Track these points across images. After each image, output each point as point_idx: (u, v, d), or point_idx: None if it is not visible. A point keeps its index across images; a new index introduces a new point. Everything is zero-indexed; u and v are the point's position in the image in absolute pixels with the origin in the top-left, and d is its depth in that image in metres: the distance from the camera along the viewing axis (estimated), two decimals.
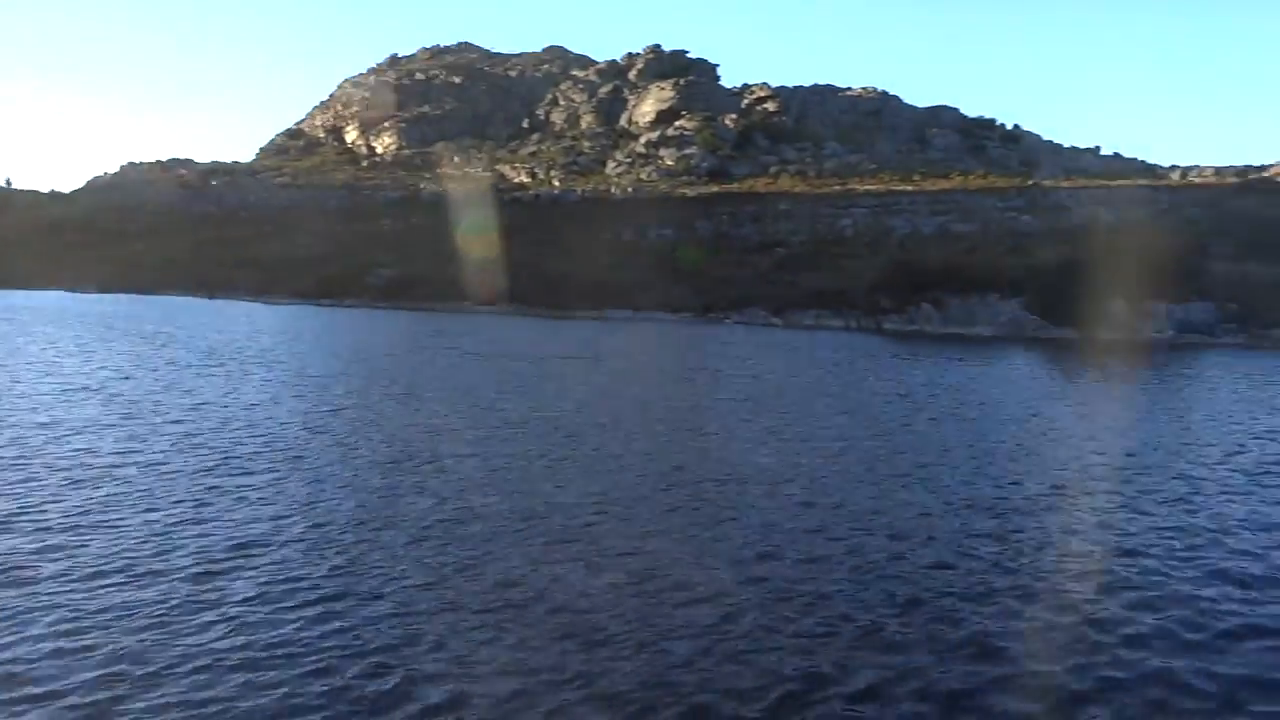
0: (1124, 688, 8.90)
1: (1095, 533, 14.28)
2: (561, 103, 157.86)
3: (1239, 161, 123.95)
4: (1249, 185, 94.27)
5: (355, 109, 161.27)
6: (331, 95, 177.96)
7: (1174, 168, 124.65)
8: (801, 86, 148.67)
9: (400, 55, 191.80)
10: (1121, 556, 13.06)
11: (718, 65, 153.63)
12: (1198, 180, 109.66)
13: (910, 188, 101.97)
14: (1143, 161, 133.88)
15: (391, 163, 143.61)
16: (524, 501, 15.10)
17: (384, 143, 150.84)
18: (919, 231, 75.94)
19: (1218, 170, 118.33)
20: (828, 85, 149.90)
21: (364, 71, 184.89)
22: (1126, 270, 47.51)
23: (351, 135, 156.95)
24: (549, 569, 11.76)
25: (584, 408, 25.98)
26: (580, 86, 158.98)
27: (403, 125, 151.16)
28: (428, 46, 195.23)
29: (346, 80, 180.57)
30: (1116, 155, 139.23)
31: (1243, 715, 8.46)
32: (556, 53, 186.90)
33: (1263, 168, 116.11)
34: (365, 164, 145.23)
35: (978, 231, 73.00)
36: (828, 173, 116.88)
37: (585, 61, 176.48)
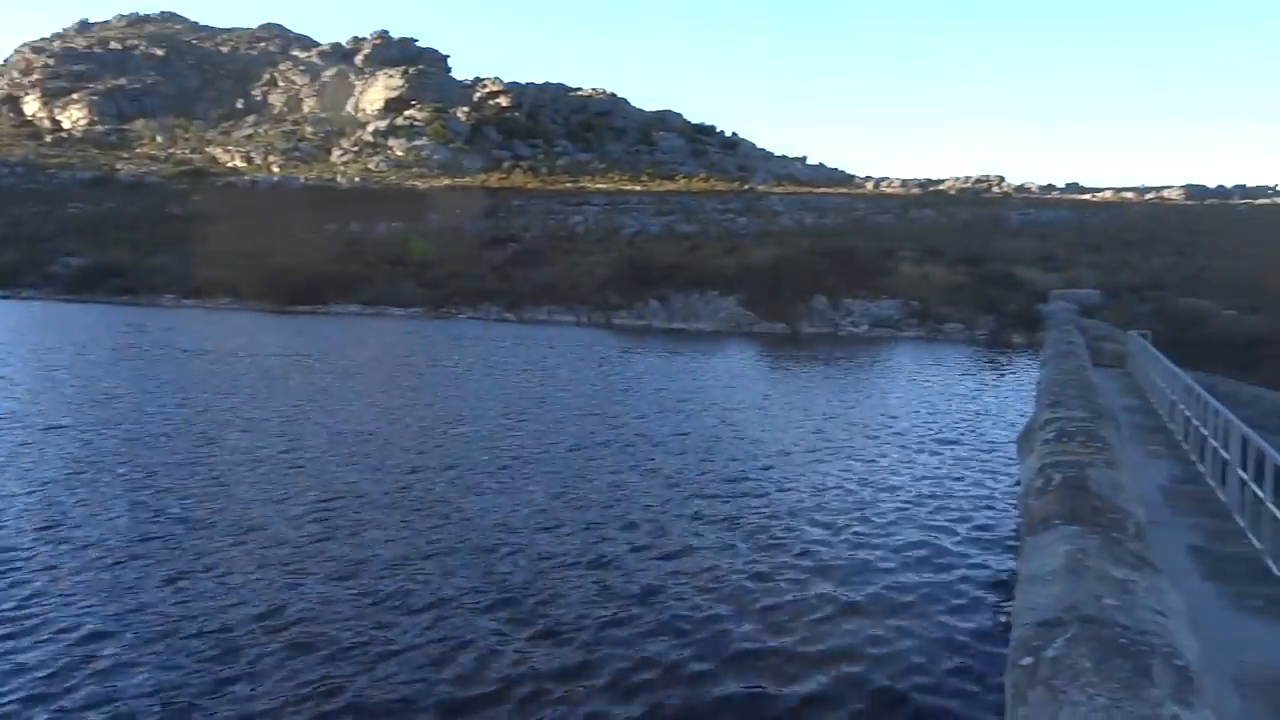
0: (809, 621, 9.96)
1: (792, 492, 15.65)
2: (281, 84, 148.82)
3: (921, 176, 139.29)
4: (928, 196, 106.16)
5: (36, 77, 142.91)
6: (6, 60, 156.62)
7: (868, 179, 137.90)
8: (533, 83, 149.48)
9: (92, 21, 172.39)
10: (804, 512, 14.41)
11: (448, 56, 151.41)
12: (887, 190, 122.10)
13: (639, 188, 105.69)
14: (842, 172, 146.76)
15: (81, 139, 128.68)
16: (238, 512, 14.18)
17: (72, 117, 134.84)
18: (646, 230, 78.77)
19: (904, 182, 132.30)
20: (559, 84, 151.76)
21: (48, 36, 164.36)
22: (828, 270, 52.03)
23: (32, 107, 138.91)
24: (264, 581, 11.13)
25: (304, 409, 24.75)
26: (302, 68, 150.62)
27: (94, 98, 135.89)
28: (125, 14, 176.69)
29: (26, 45, 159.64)
30: (821, 165, 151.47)
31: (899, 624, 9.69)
32: (274, 30, 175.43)
33: (939, 181, 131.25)
34: (49, 139, 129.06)
35: (700, 232, 76.86)
36: (560, 170, 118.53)
37: (306, 42, 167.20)
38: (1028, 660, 3.81)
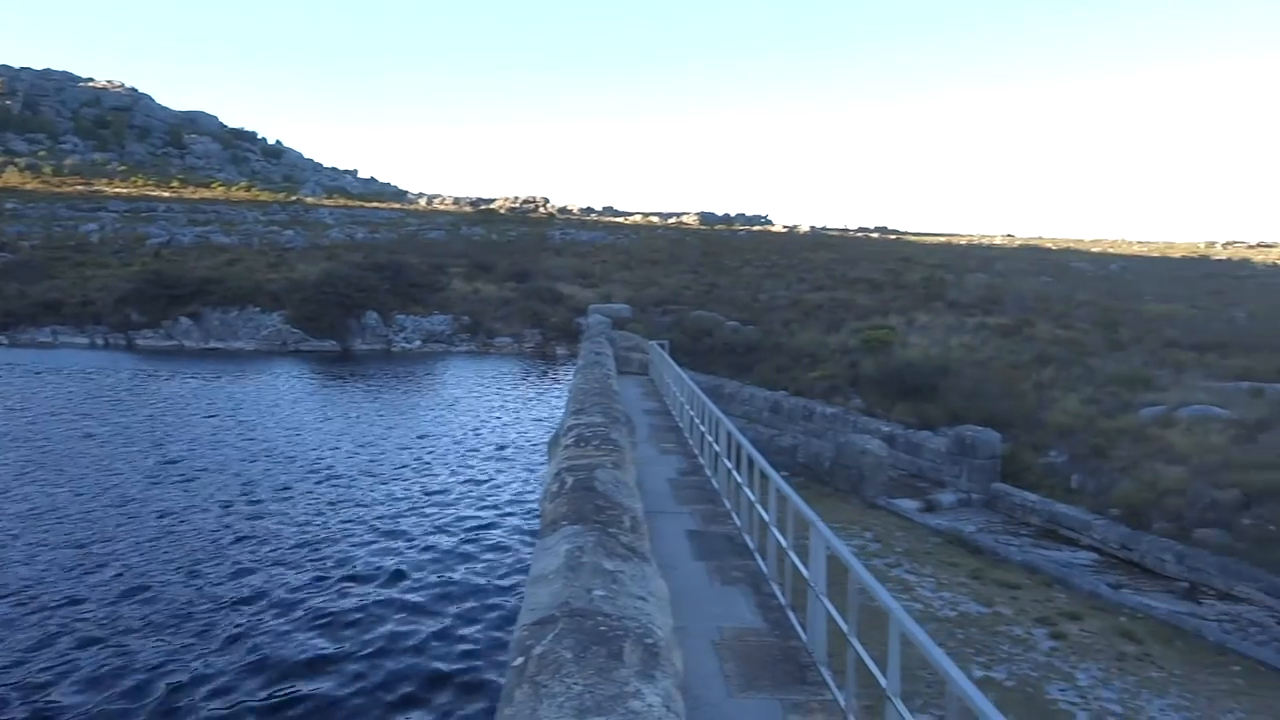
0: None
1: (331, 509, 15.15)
2: None
3: (473, 194, 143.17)
4: (479, 214, 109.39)
5: None
6: None
7: (421, 195, 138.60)
8: (30, 68, 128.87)
9: None
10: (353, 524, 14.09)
11: None
12: (440, 207, 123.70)
13: (168, 194, 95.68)
14: (395, 187, 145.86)
15: None
16: None
17: None
18: (177, 241, 71.50)
19: (456, 200, 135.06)
20: (65, 72, 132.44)
21: None
22: (379, 285, 51.28)
23: None
24: None
25: None
26: None
27: None
28: None
29: None
30: (373, 179, 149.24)
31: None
32: None
33: (490, 201, 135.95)
34: None
35: (241, 244, 71.61)
36: (68, 171, 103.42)
37: None
38: (519, 661, 3.98)
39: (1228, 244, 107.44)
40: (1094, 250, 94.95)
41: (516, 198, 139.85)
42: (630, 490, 7.46)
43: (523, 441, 24.22)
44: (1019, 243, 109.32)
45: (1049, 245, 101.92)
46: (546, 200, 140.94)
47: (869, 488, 19.13)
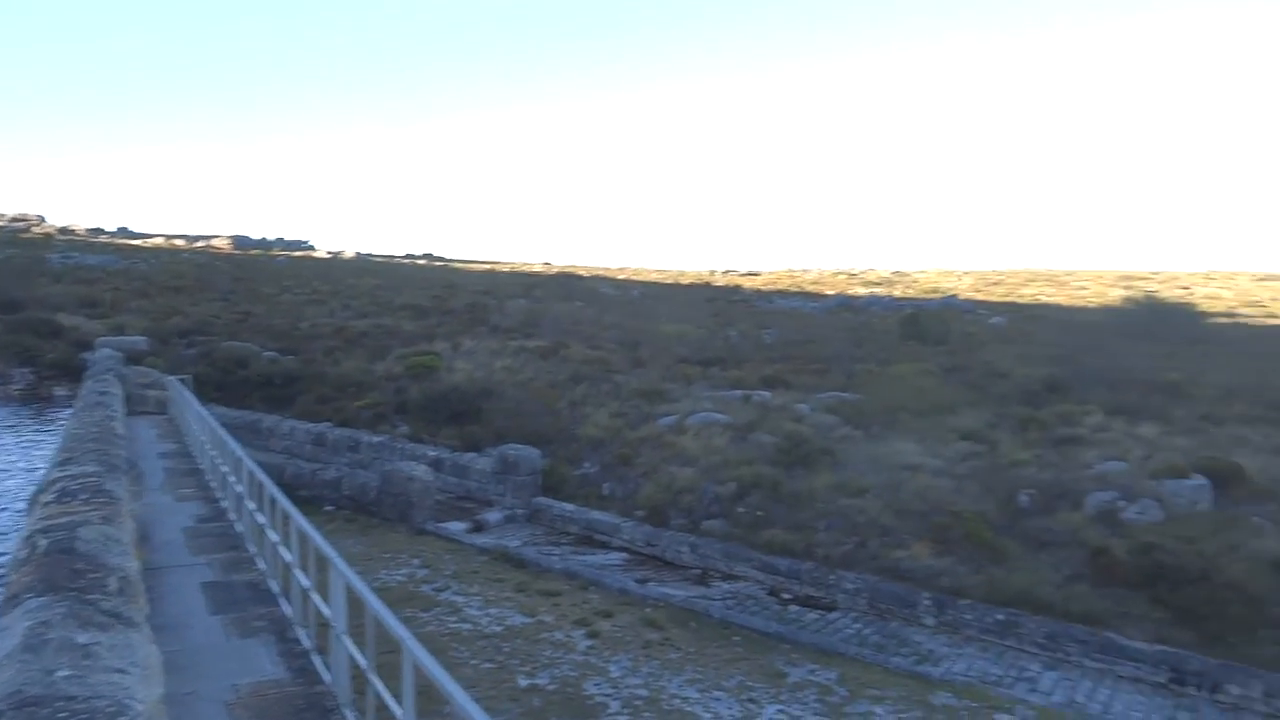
0: None
1: None
2: None
3: None
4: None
5: None
6: None
7: None
8: None
9: None
10: None
11: None
12: None
13: None
14: None
15: None
16: None
17: None
18: None
19: None
20: None
21: None
22: None
23: None
24: None
25: None
26: None
27: None
28: None
29: None
30: None
31: None
32: None
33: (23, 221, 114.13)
34: None
35: None
36: None
37: None
38: None
39: (725, 272, 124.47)
40: (620, 277, 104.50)
41: (3, 215, 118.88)
42: (123, 548, 6.54)
43: (3, 503, 20.48)
44: (555, 270, 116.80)
45: (581, 273, 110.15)
46: (42, 218, 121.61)
47: (417, 514, 19.03)
